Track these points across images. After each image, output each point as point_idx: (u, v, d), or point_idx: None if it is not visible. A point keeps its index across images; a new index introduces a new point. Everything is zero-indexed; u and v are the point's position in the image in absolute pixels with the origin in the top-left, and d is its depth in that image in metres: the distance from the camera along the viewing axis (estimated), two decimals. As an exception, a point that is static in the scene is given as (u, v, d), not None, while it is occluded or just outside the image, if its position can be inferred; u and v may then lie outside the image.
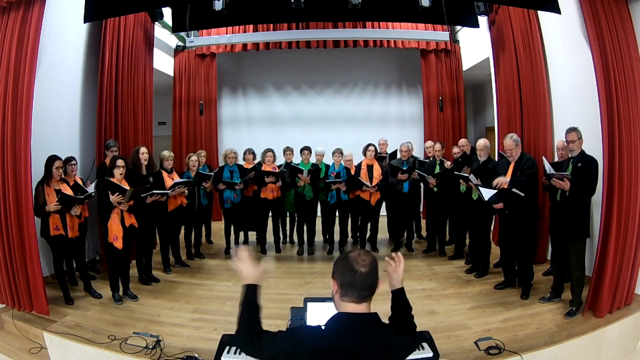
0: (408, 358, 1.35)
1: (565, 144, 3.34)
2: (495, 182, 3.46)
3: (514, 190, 3.32)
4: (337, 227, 5.30)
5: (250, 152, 5.16)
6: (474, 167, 4.09)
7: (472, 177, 3.91)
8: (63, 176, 3.60)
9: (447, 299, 3.62)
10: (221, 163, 5.40)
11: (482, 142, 4.13)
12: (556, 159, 3.96)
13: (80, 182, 3.82)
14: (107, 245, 3.51)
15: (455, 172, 4.24)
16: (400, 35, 6.72)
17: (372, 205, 4.92)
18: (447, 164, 4.65)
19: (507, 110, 5.12)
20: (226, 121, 8.10)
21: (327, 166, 5.13)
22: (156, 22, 5.56)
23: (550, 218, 3.57)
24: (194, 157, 4.71)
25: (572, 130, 3.16)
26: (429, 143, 5.32)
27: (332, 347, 1.20)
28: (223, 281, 4.19)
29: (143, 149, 4.04)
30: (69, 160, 3.73)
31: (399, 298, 1.47)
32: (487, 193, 3.47)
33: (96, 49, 4.51)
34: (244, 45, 6.82)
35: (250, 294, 1.39)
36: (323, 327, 1.25)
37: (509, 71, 5.00)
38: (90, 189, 3.72)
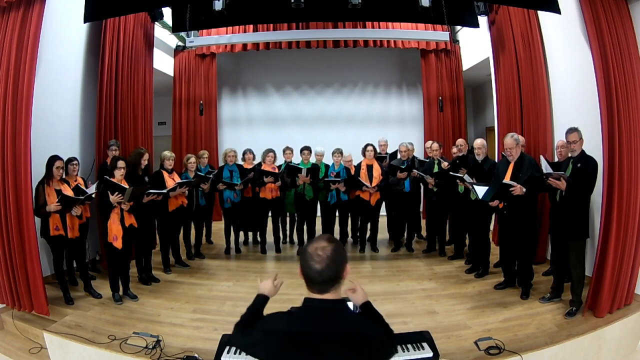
0: (408, 358, 1.35)
1: (566, 143, 3.33)
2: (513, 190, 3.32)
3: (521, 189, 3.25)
4: (337, 227, 5.30)
5: (249, 152, 5.16)
6: (470, 166, 4.09)
7: (466, 176, 3.90)
8: (64, 176, 3.61)
9: (447, 299, 3.61)
10: (221, 163, 5.40)
11: (478, 141, 4.13)
12: (556, 159, 3.96)
13: (81, 182, 3.82)
14: (107, 245, 3.51)
15: (451, 173, 4.24)
16: (400, 35, 6.72)
17: (372, 205, 4.92)
18: (444, 164, 4.65)
19: (507, 110, 5.12)
20: (226, 121, 8.10)
21: (327, 166, 5.13)
22: (156, 22, 5.56)
23: (550, 218, 3.56)
24: (192, 159, 4.71)
25: (573, 130, 3.16)
26: (428, 143, 5.32)
27: (299, 329, 1.25)
28: (223, 281, 4.19)
29: (147, 156, 4.09)
30: (71, 160, 3.73)
31: (367, 310, 1.47)
32: (481, 191, 3.47)
33: (96, 49, 4.51)
34: (244, 45, 6.82)
35: (258, 301, 1.50)
36: (292, 311, 1.33)
37: (509, 71, 5.00)
38: (91, 189, 3.73)
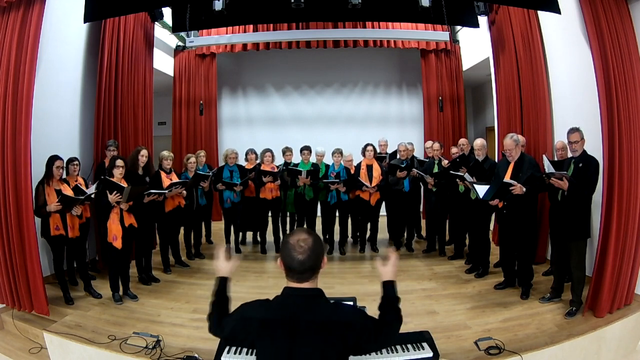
0: (408, 358, 1.36)
1: (566, 144, 3.33)
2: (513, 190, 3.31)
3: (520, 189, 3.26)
4: (337, 227, 5.30)
5: (252, 152, 5.16)
6: (470, 165, 4.09)
7: (467, 175, 3.91)
8: (65, 176, 3.60)
9: (447, 299, 3.61)
10: (221, 163, 5.40)
11: (479, 141, 4.13)
12: (556, 160, 3.95)
13: (82, 182, 3.82)
14: (107, 245, 3.51)
15: (451, 172, 4.24)
16: (400, 35, 6.72)
17: (372, 205, 4.92)
18: (445, 162, 4.65)
19: (507, 110, 5.12)
20: (226, 121, 8.10)
21: (327, 166, 5.13)
22: (156, 22, 5.55)
23: (550, 218, 3.56)
24: (192, 159, 4.71)
25: (575, 130, 3.15)
26: (429, 143, 5.32)
27: (276, 316, 1.31)
28: (223, 281, 4.18)
29: (144, 152, 4.05)
30: (72, 160, 3.73)
31: (386, 289, 1.52)
32: (481, 190, 3.47)
33: (96, 49, 4.51)
34: (244, 45, 6.82)
35: (221, 284, 1.56)
36: (270, 299, 1.37)
37: (509, 71, 5.00)
38: (91, 189, 3.73)
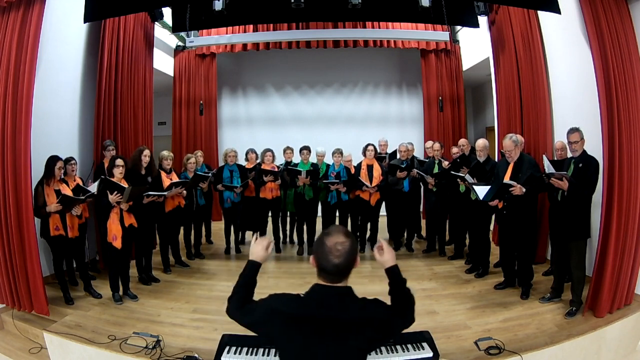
0: (408, 358, 1.36)
1: (566, 144, 3.33)
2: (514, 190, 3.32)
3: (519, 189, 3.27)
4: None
5: (252, 151, 5.17)
6: (471, 166, 4.09)
7: (467, 176, 3.91)
8: (63, 176, 3.60)
9: (447, 299, 3.61)
10: (221, 163, 5.40)
11: (481, 142, 4.12)
12: (555, 159, 3.95)
13: (80, 182, 3.82)
14: (107, 245, 3.51)
15: (452, 172, 4.24)
16: (400, 35, 6.72)
17: (372, 205, 4.92)
18: (445, 163, 4.65)
19: (507, 110, 5.12)
20: (226, 121, 8.10)
21: (328, 166, 5.13)
22: (156, 22, 5.55)
23: (550, 218, 3.56)
24: (192, 159, 4.71)
25: (575, 130, 3.15)
26: (429, 143, 5.32)
27: (305, 313, 1.28)
28: (223, 281, 4.19)
29: (147, 152, 4.06)
30: (69, 160, 3.73)
31: (392, 275, 1.50)
32: (481, 191, 3.47)
33: (96, 49, 4.51)
34: (244, 45, 6.82)
35: (251, 268, 1.49)
36: (302, 295, 1.34)
37: (509, 71, 5.00)
38: (92, 188, 3.73)
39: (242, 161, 5.24)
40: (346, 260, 1.28)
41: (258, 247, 1.51)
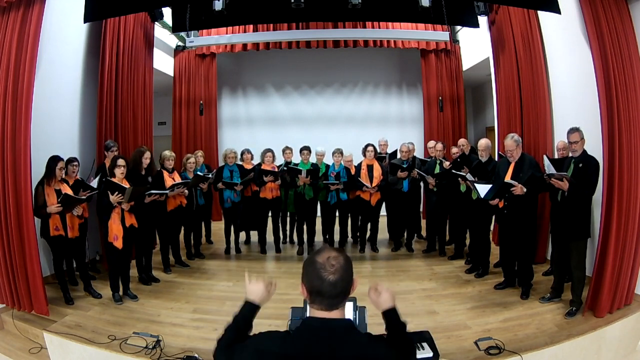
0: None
1: (567, 144, 3.33)
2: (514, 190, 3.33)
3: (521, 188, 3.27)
4: (337, 227, 5.30)
5: (247, 152, 5.17)
6: (473, 165, 4.09)
7: (468, 175, 3.90)
8: (63, 176, 3.60)
9: (447, 299, 3.62)
10: (221, 163, 5.40)
11: (483, 142, 4.11)
12: (556, 157, 3.94)
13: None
14: (107, 245, 3.51)
15: (453, 171, 4.24)
16: (400, 35, 6.72)
17: (372, 205, 4.92)
18: (446, 164, 4.65)
19: (507, 110, 5.11)
20: (226, 121, 8.10)
21: (328, 166, 5.13)
22: (156, 22, 5.55)
23: (550, 218, 3.56)
24: (192, 159, 4.71)
25: (575, 130, 3.15)
26: (432, 143, 5.31)
27: (298, 353, 1.10)
28: (223, 281, 4.19)
29: (147, 154, 4.07)
30: (71, 161, 3.73)
31: (389, 319, 1.35)
32: (483, 190, 3.47)
33: (96, 49, 4.51)
34: (244, 45, 6.82)
35: (248, 310, 1.34)
36: (291, 332, 1.19)
37: (509, 71, 5.00)
38: (94, 184, 3.72)
39: (240, 162, 5.24)
40: (342, 277, 1.11)
41: (258, 286, 1.36)
